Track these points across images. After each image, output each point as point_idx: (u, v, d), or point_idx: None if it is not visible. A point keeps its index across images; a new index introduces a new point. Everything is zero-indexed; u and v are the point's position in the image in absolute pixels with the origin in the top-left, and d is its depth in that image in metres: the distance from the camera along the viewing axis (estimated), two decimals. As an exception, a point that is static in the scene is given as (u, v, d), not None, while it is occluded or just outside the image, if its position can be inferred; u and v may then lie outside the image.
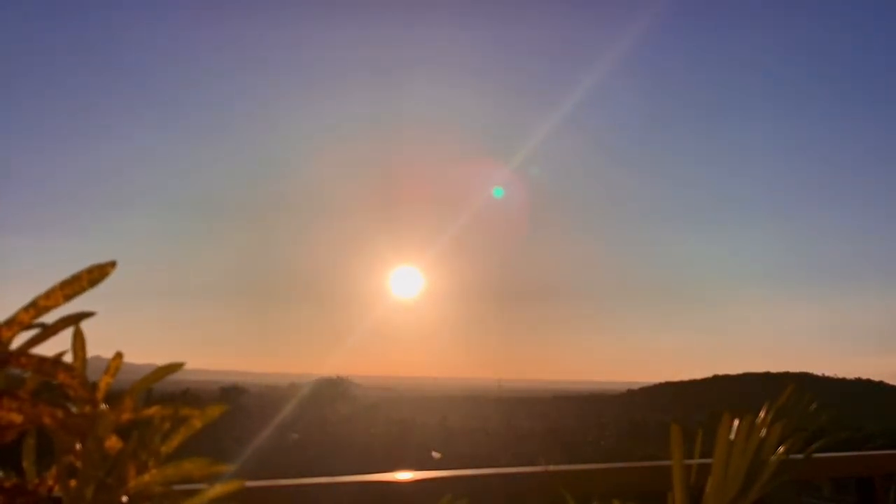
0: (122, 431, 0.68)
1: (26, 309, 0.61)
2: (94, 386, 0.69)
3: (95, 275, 0.63)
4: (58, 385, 0.65)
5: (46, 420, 0.62)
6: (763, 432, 1.00)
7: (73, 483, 0.66)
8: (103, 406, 0.66)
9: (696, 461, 1.06)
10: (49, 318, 0.63)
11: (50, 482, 0.71)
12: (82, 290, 0.62)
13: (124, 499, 0.65)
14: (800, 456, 1.04)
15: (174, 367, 0.68)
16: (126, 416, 0.66)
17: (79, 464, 0.65)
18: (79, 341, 0.69)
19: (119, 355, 0.74)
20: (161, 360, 0.75)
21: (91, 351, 0.75)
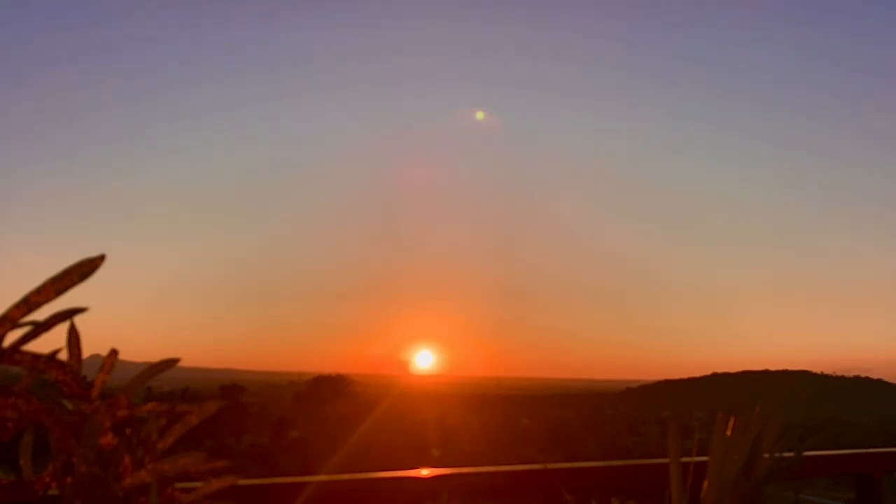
0: (119, 428, 0.68)
1: (18, 305, 0.61)
2: (90, 383, 0.69)
3: (86, 269, 0.62)
4: (54, 382, 0.65)
5: (42, 417, 0.62)
6: (760, 429, 1.00)
7: (69, 480, 0.66)
8: (98, 403, 0.66)
9: (693, 458, 1.06)
10: (42, 313, 0.63)
11: (46, 479, 0.71)
12: (73, 284, 0.62)
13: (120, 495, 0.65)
14: (796, 453, 1.04)
15: (168, 364, 0.68)
16: (121, 413, 0.66)
17: (75, 461, 0.65)
18: (74, 338, 0.69)
19: (114, 352, 0.74)
20: (159, 358, 0.74)
21: (90, 350, 0.75)
